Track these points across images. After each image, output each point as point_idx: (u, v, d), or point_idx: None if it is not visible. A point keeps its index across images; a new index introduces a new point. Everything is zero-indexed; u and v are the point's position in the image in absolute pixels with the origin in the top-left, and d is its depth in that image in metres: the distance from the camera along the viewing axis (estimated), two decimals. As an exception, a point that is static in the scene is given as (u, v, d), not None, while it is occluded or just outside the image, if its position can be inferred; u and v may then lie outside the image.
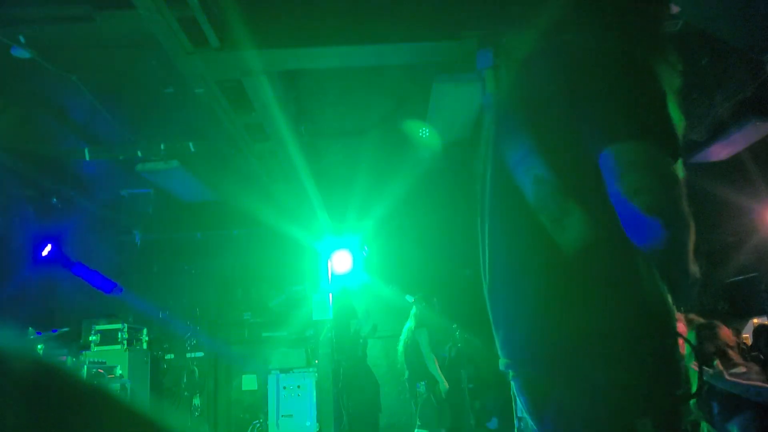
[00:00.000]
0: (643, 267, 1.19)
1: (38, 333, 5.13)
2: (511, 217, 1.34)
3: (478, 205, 1.50)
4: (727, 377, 3.27)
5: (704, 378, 3.10)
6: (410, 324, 6.23)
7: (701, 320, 3.68)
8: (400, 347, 6.30)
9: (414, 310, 6.29)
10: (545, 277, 1.24)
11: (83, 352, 6.01)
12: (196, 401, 7.53)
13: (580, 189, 1.21)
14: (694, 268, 1.14)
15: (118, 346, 6.23)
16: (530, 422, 1.39)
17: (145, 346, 6.73)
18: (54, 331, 5.30)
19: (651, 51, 1.26)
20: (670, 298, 1.22)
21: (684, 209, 1.11)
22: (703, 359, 3.35)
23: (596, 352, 1.15)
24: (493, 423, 7.47)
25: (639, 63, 1.20)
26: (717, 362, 3.37)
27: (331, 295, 7.13)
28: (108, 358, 5.95)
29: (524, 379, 1.30)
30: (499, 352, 1.35)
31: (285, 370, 7.01)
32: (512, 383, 1.35)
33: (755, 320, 6.24)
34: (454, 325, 7.14)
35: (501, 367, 1.35)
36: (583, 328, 1.17)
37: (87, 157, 5.22)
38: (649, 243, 1.11)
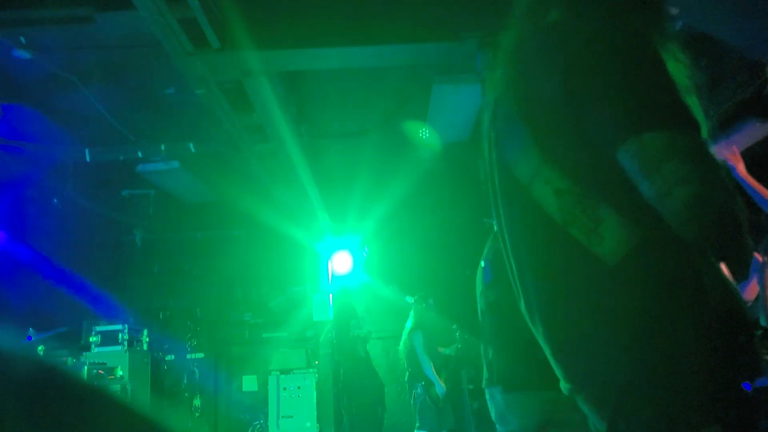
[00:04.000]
0: (699, 259, 1.07)
1: (39, 334, 5.13)
2: (537, 237, 1.21)
3: (496, 228, 1.37)
4: None
5: None
6: (409, 325, 6.23)
7: None
8: (401, 347, 6.30)
9: (412, 309, 6.29)
10: (592, 294, 1.11)
11: (84, 353, 6.01)
12: (197, 402, 7.53)
13: (608, 191, 1.09)
14: (749, 242, 1.02)
15: (119, 347, 6.22)
16: None
17: (145, 347, 6.72)
18: (50, 332, 5.30)
19: (648, 25, 1.15)
20: (738, 290, 1.10)
21: (730, 190, 0.99)
22: None
23: (659, 359, 1.05)
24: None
25: (638, 40, 1.09)
26: None
27: (331, 295, 7.13)
28: (108, 359, 5.95)
29: (584, 398, 1.20)
30: (558, 375, 1.25)
31: (285, 371, 7.01)
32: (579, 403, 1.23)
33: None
34: (454, 326, 7.14)
35: (564, 391, 1.24)
36: (640, 338, 1.06)
37: (87, 158, 5.22)
38: (701, 236, 1.00)
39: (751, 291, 3.25)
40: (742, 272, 1.09)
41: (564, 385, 1.25)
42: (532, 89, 1.20)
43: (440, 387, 5.86)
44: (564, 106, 1.10)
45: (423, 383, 5.92)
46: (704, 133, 1.07)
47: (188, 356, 7.67)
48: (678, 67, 1.14)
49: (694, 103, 1.10)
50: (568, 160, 1.13)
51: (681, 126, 1.02)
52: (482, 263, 2.53)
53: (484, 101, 3.54)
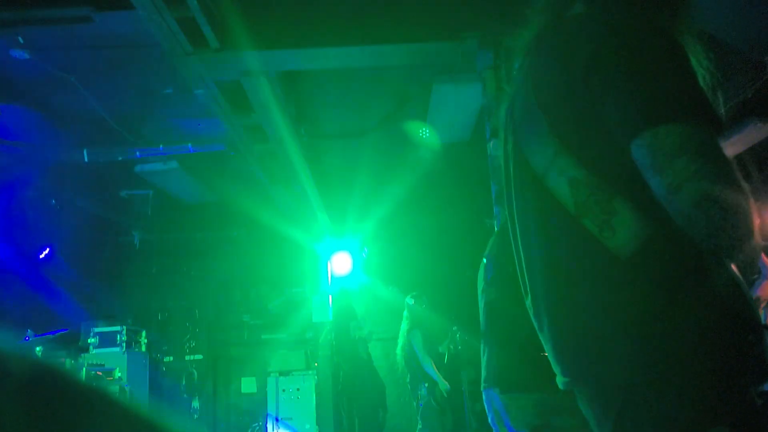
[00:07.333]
0: (708, 257, 1.06)
1: (37, 335, 5.12)
2: (549, 228, 1.20)
3: (507, 223, 1.37)
4: None
5: None
6: (404, 326, 6.18)
7: None
8: (399, 350, 6.26)
9: (405, 311, 6.24)
10: (602, 289, 1.11)
11: (82, 354, 5.99)
12: (195, 404, 7.51)
13: (623, 183, 1.08)
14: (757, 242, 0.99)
15: (117, 349, 6.20)
16: None
17: (143, 348, 6.71)
18: (50, 333, 5.28)
19: (673, 21, 1.15)
20: (747, 289, 1.09)
21: (741, 188, 0.96)
22: None
23: (667, 358, 1.03)
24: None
25: (661, 34, 1.07)
26: None
27: (330, 296, 7.12)
28: (107, 361, 5.93)
29: (587, 396, 1.19)
30: (556, 370, 1.24)
31: (284, 373, 7.00)
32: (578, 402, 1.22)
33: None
34: (454, 327, 7.12)
35: (561, 386, 1.23)
36: (648, 335, 1.05)
37: (86, 158, 5.20)
38: (708, 234, 0.98)
39: (763, 290, 3.27)
40: (748, 272, 1.08)
41: (562, 382, 1.22)
42: (551, 78, 1.19)
43: (443, 384, 5.82)
44: (583, 96, 1.10)
45: (427, 384, 5.88)
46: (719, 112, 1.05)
47: (187, 357, 7.66)
48: (699, 67, 1.12)
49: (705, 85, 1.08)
50: (585, 150, 1.12)
51: (699, 121, 1.00)
52: (484, 260, 2.51)
53: (487, 99, 3.54)
